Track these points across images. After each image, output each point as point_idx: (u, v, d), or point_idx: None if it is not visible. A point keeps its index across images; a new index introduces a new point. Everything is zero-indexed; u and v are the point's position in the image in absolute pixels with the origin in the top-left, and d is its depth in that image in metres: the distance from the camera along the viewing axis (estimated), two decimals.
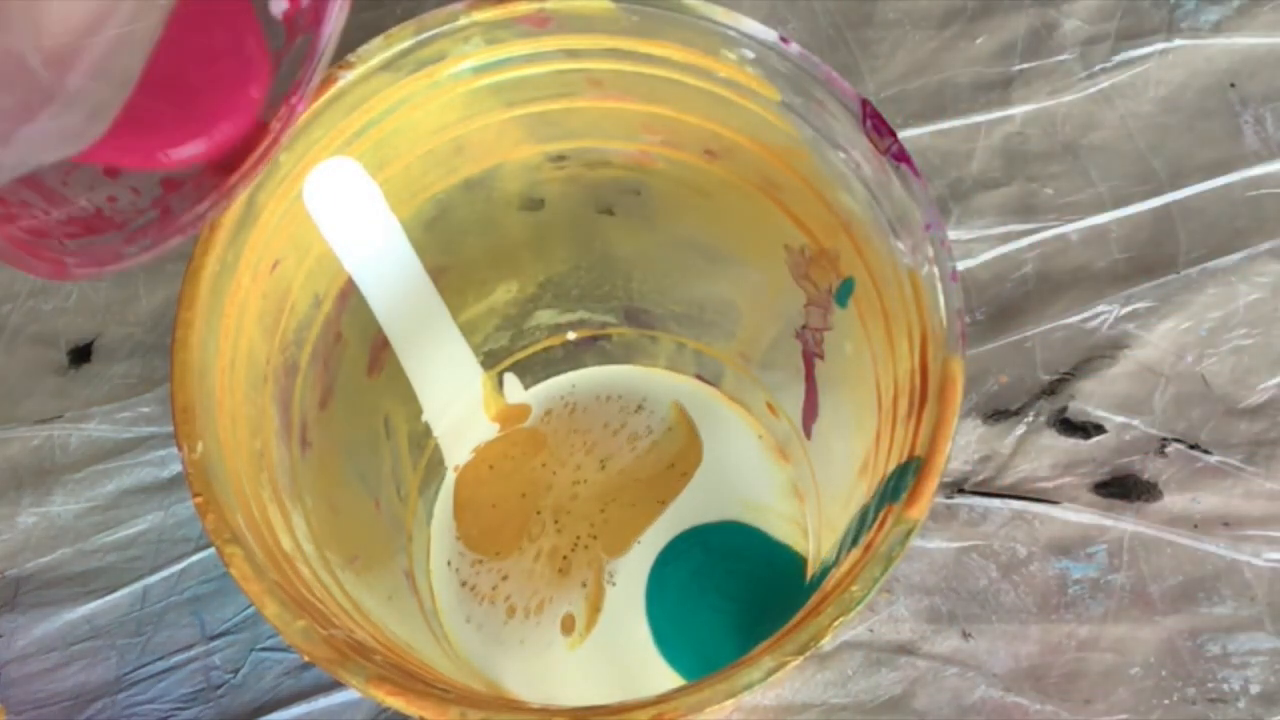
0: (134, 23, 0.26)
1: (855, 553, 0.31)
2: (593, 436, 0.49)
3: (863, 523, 0.32)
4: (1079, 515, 0.45)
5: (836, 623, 0.28)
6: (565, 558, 0.47)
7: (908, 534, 0.29)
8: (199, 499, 0.30)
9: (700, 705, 0.28)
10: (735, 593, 0.45)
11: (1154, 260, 0.49)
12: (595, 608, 0.46)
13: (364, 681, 0.28)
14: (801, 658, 0.28)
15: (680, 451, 0.48)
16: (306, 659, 0.29)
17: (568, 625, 0.45)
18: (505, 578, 0.47)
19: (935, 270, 0.31)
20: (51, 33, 0.24)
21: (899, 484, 0.30)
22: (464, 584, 0.47)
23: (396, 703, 0.28)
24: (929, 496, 0.29)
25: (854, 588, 0.28)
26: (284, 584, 0.30)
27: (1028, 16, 0.54)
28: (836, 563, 0.33)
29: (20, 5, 0.24)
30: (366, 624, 0.34)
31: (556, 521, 0.47)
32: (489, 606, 0.46)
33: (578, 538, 0.47)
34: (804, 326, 0.40)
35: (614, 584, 0.46)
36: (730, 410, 0.48)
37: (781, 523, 0.46)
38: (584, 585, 0.46)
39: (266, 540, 0.32)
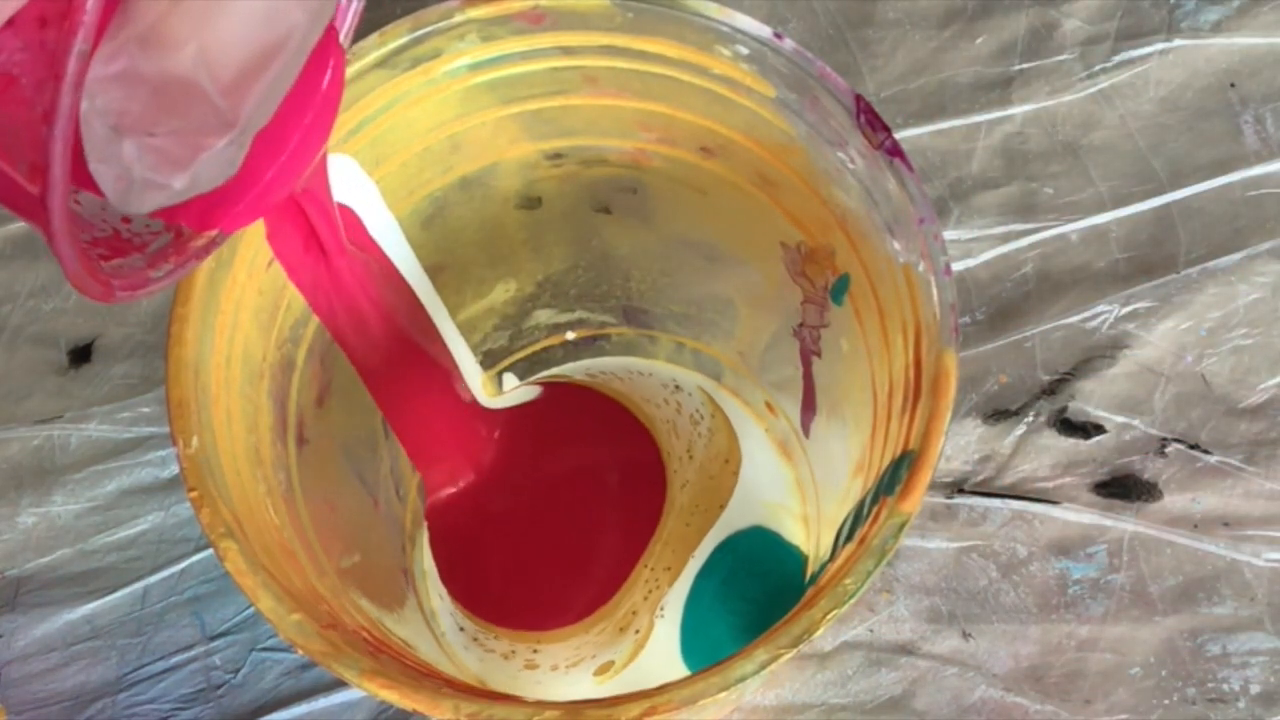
0: (299, 53, 0.26)
1: (850, 547, 0.31)
2: (664, 412, 0.47)
3: (858, 517, 0.32)
4: (1079, 515, 0.45)
5: (830, 615, 0.28)
6: (634, 613, 0.45)
7: (901, 527, 0.29)
8: (194, 493, 0.30)
9: (694, 698, 0.28)
10: (754, 595, 0.45)
11: (1154, 260, 0.49)
12: (640, 647, 0.44)
13: (358, 675, 0.28)
14: (795, 650, 0.28)
15: (728, 444, 0.47)
16: (300, 653, 0.29)
17: (604, 669, 0.44)
18: (536, 650, 0.44)
19: (928, 265, 0.31)
20: (227, 62, 0.24)
21: (893, 478, 0.30)
22: (462, 630, 0.45)
23: (390, 696, 0.28)
24: (922, 489, 0.29)
25: (847, 580, 0.28)
26: (279, 578, 0.30)
27: (1028, 16, 0.54)
28: (832, 558, 0.33)
29: (186, 29, 0.23)
30: (364, 620, 0.34)
31: (651, 568, 0.45)
32: (501, 662, 0.44)
33: (658, 579, 0.45)
34: (801, 324, 0.40)
35: (663, 616, 0.44)
36: (737, 405, 0.48)
37: (790, 521, 0.46)
38: (637, 633, 0.44)
39: (263, 535, 0.32)
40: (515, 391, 0.48)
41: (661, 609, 0.44)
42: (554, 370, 0.49)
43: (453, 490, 0.46)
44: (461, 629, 0.45)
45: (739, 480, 0.46)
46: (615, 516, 0.46)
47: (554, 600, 0.45)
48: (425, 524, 0.46)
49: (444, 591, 0.45)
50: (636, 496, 0.46)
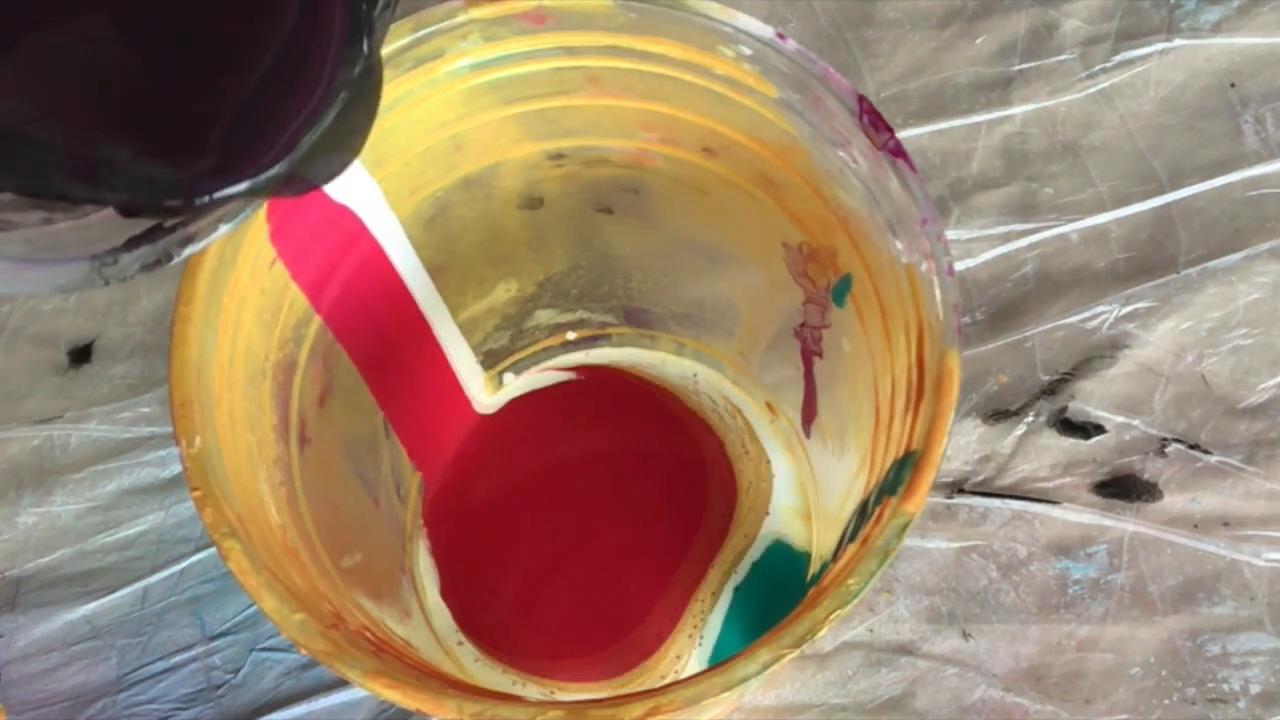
0: None
1: (853, 547, 0.31)
2: (704, 401, 0.45)
3: (861, 517, 0.32)
4: (1079, 515, 0.45)
5: (833, 615, 0.28)
6: (679, 657, 0.42)
7: (904, 527, 0.29)
8: (197, 493, 0.30)
9: (697, 698, 0.28)
10: (776, 603, 0.43)
11: (1154, 260, 0.49)
12: (674, 680, 0.42)
13: (361, 675, 0.28)
14: (798, 650, 0.28)
15: (757, 442, 0.45)
16: (303, 652, 0.29)
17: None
18: (553, 694, 0.43)
19: (931, 265, 0.31)
20: None
21: (896, 478, 0.30)
22: (461, 644, 0.44)
23: (393, 695, 0.28)
24: (925, 490, 0.29)
25: (850, 581, 0.28)
26: (282, 578, 0.30)
27: (1028, 16, 0.54)
28: (835, 558, 0.33)
29: None
30: (366, 620, 0.34)
31: (700, 600, 0.42)
32: (508, 685, 0.43)
33: (704, 607, 0.43)
34: (802, 324, 0.40)
35: (700, 644, 0.43)
36: (746, 400, 0.47)
37: (798, 523, 0.45)
38: (677, 673, 0.42)
39: (265, 535, 0.32)
40: (529, 378, 0.46)
41: (701, 637, 0.43)
42: (563, 359, 0.48)
43: (455, 497, 0.45)
44: (461, 643, 0.44)
45: (774, 483, 0.45)
46: (669, 533, 0.43)
47: (582, 646, 0.42)
48: (424, 530, 0.45)
49: (442, 603, 0.44)
50: (701, 507, 0.43)
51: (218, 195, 0.26)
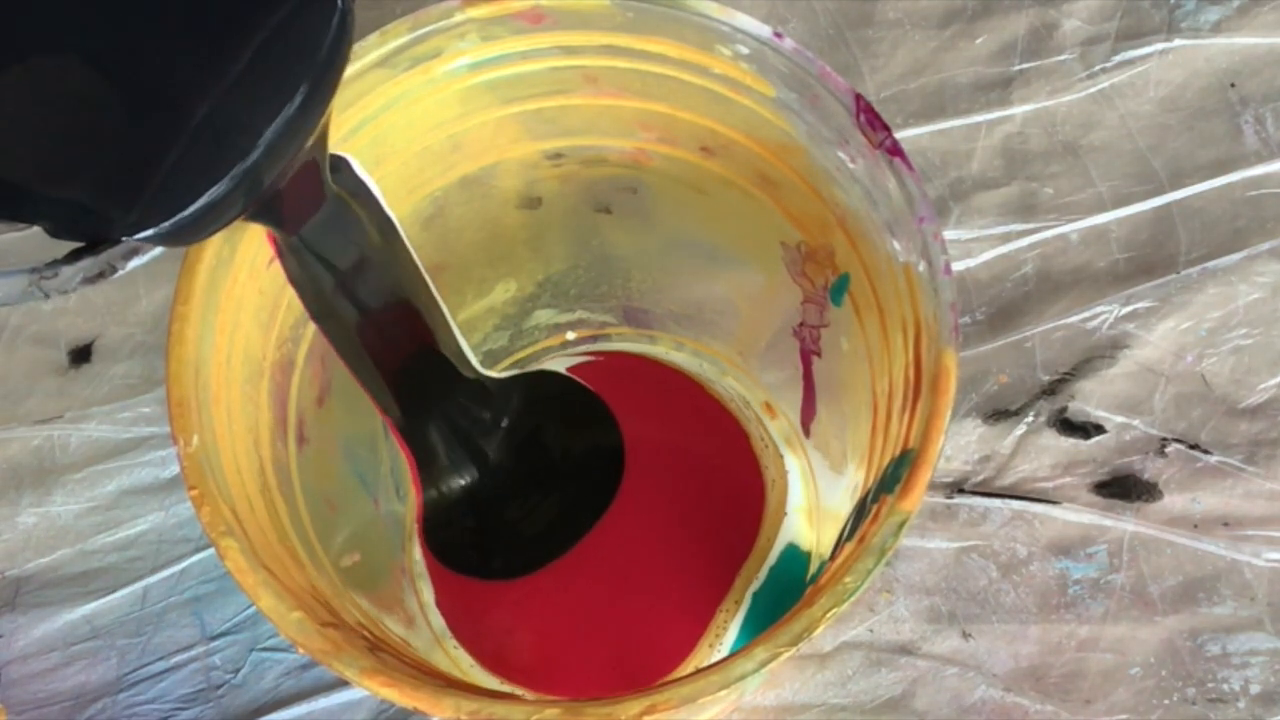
0: None
1: (850, 545, 0.31)
2: (719, 389, 0.44)
3: (859, 516, 0.32)
4: (1079, 515, 0.45)
5: (830, 613, 0.28)
6: (698, 667, 0.42)
7: (901, 525, 0.29)
8: (194, 492, 0.30)
9: (693, 696, 0.28)
10: (783, 604, 0.41)
11: (1154, 260, 0.49)
12: None
13: (358, 674, 0.28)
14: (795, 649, 0.28)
15: (774, 440, 0.45)
16: (301, 651, 0.29)
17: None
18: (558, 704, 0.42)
19: (928, 264, 0.31)
20: None
21: (893, 476, 0.30)
22: (457, 647, 0.43)
23: (391, 694, 0.28)
24: (922, 488, 0.29)
25: (847, 579, 0.28)
26: (279, 577, 0.30)
27: (1028, 16, 0.54)
28: (833, 556, 0.33)
29: None
30: (363, 619, 0.34)
31: (725, 611, 0.42)
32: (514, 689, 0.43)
33: (728, 617, 0.42)
34: (801, 324, 0.40)
35: (720, 650, 0.42)
36: (744, 396, 0.47)
37: (803, 522, 0.45)
38: (696, 669, 0.42)
39: (263, 534, 0.32)
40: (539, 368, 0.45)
41: (720, 646, 0.42)
42: (562, 359, 0.47)
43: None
44: (456, 646, 0.44)
45: (788, 481, 0.44)
46: (694, 537, 0.41)
47: (589, 663, 0.41)
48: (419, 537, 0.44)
49: (439, 613, 0.44)
50: (729, 506, 0.41)
51: (143, 236, 0.26)
